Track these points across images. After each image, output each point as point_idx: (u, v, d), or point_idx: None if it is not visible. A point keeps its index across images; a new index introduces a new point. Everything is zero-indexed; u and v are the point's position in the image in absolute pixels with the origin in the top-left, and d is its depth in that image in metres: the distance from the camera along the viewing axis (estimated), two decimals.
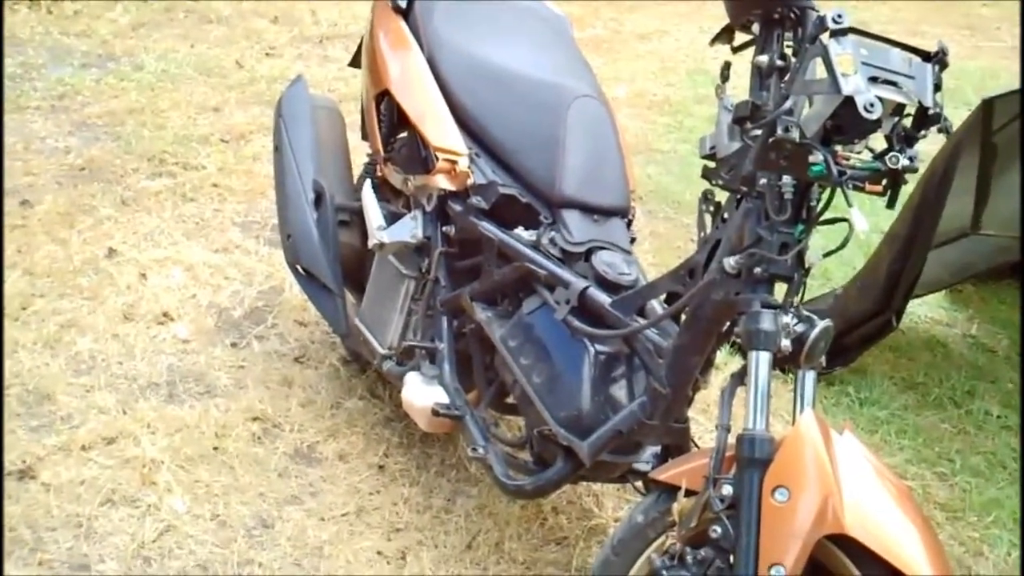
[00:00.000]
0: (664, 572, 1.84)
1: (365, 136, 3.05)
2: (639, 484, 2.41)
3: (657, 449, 2.32)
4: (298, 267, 2.98)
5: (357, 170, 3.18)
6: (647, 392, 2.12)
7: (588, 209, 2.44)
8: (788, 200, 1.87)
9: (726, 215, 2.01)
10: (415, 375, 2.54)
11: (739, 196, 1.97)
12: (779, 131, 1.76)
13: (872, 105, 1.69)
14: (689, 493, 1.91)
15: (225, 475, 2.75)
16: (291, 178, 2.98)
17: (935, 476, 3.04)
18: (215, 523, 2.60)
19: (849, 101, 1.70)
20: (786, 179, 1.85)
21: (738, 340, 1.93)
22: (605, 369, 2.24)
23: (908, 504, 1.80)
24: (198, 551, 2.50)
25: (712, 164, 2.02)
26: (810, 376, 1.90)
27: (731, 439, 1.87)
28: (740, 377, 1.93)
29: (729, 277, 1.91)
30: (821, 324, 1.90)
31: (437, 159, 2.55)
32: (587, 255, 2.38)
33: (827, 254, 1.95)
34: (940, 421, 3.28)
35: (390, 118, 2.82)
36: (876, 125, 1.76)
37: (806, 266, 1.92)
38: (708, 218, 2.07)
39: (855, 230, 1.76)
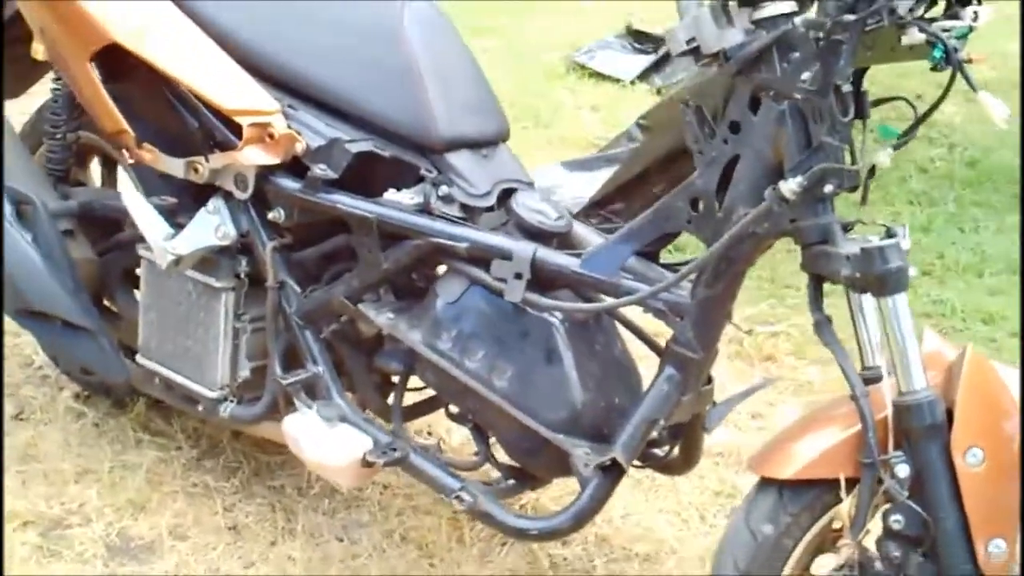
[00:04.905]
0: None
1: None
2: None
3: None
4: (24, 313, 2.12)
5: None
6: (674, 363, 1.66)
7: (475, 145, 1.86)
8: (847, 93, 1.46)
9: (736, 119, 1.54)
10: (302, 421, 1.88)
11: (754, 96, 1.52)
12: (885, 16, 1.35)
13: None
14: (812, 483, 1.52)
15: None
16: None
17: None
18: None
19: None
20: None
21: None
22: (583, 346, 1.75)
23: None
24: None
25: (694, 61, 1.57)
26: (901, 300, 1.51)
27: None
28: (821, 310, 1.54)
29: (785, 203, 1.48)
30: (907, 234, 1.53)
31: (241, 127, 1.82)
32: (497, 203, 1.83)
33: (897, 146, 1.56)
34: None
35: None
36: None
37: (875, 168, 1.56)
38: (696, 131, 1.61)
39: (997, 119, 1.39)
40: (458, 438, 2.38)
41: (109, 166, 2.42)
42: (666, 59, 4.77)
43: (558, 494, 2.27)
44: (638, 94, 4.59)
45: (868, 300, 1.58)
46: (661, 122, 3.49)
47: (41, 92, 2.44)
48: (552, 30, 5.33)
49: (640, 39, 5.06)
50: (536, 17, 5.32)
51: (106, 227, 2.23)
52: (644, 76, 4.83)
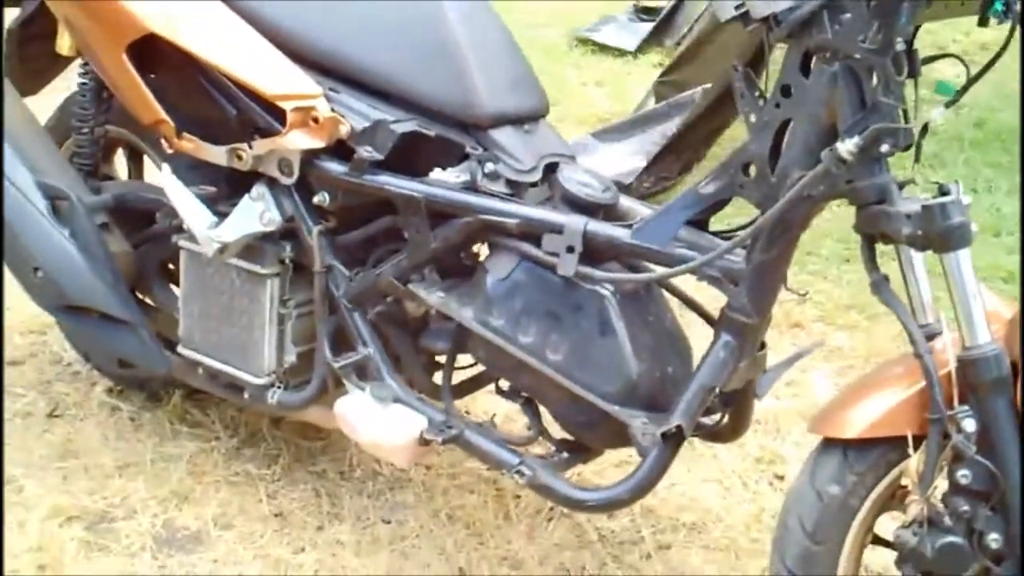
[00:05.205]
0: (929, 544, 1.46)
1: None
2: None
3: None
4: (63, 308, 2.12)
5: None
6: (729, 329, 1.67)
7: (517, 120, 1.87)
8: (900, 52, 1.46)
9: (787, 82, 1.55)
10: (356, 402, 1.88)
11: (804, 59, 1.52)
12: None
13: None
14: (877, 442, 1.54)
15: None
16: (3, 192, 2.07)
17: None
18: None
19: None
20: None
21: None
22: (635, 317, 1.75)
23: None
24: None
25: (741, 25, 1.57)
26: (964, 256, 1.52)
27: None
28: (877, 269, 1.55)
29: (843, 164, 1.48)
30: (961, 192, 1.53)
31: (282, 112, 1.82)
32: (543, 178, 1.83)
33: (949, 103, 1.57)
34: None
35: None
36: None
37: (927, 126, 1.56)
38: (746, 96, 1.61)
39: None
40: (499, 416, 2.38)
41: (135, 158, 2.41)
42: (668, 21, 4.73)
43: (598, 468, 2.28)
44: (642, 67, 4.58)
45: (918, 257, 1.58)
46: (691, 75, 3.52)
47: (53, 88, 2.44)
48: (549, 8, 5.31)
49: (647, 12, 5.03)
50: None
51: (139, 219, 2.23)
52: (648, 44, 4.80)
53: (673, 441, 1.68)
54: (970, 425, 1.45)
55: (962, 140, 3.91)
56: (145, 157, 2.36)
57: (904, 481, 1.53)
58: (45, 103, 2.45)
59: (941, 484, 1.51)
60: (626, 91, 4.29)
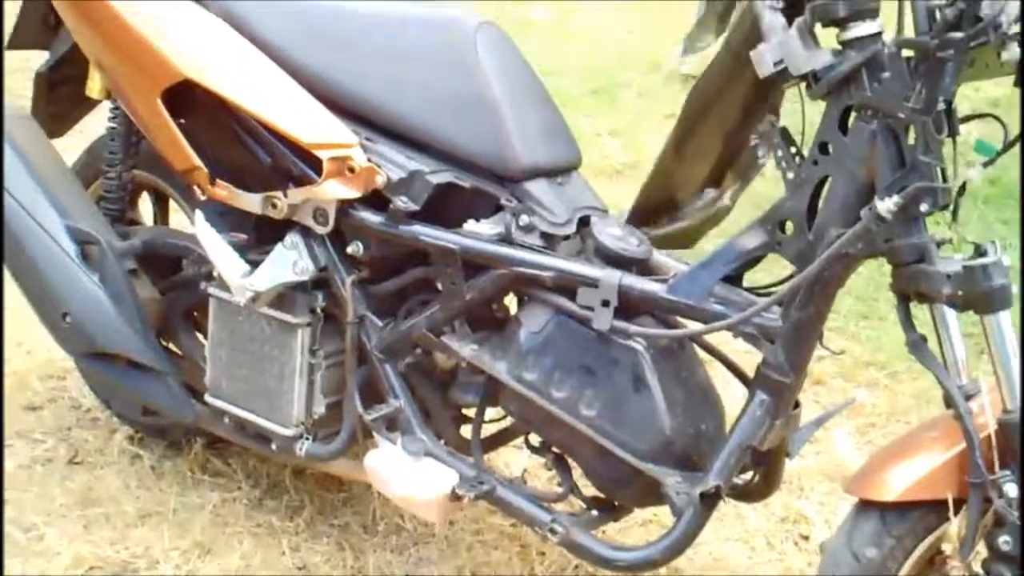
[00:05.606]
0: None
1: None
2: None
3: None
4: (89, 354, 2.11)
5: None
6: (765, 388, 1.66)
7: (551, 173, 1.87)
8: (940, 111, 1.47)
9: (825, 139, 1.55)
10: (387, 456, 1.86)
11: (842, 117, 1.53)
12: (991, 32, 1.37)
13: None
14: (915, 505, 1.52)
15: None
16: (32, 236, 2.07)
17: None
18: None
19: None
20: None
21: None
22: (669, 373, 1.75)
23: None
24: None
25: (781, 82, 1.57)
26: (1005, 318, 1.52)
27: None
28: (914, 329, 1.55)
29: (882, 222, 1.48)
30: (1000, 252, 1.53)
31: (317, 161, 1.83)
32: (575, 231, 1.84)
33: (988, 162, 1.57)
34: None
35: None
36: None
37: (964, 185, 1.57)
38: (783, 153, 1.61)
39: None
40: (517, 470, 2.36)
41: (161, 203, 2.42)
42: None
43: (623, 526, 2.26)
44: (656, 117, 4.57)
45: (952, 317, 1.57)
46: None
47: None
48: (562, 57, 5.32)
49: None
50: (537, 42, 5.26)
51: (165, 265, 2.23)
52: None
53: (709, 501, 1.67)
54: (1012, 490, 1.44)
55: (976, 196, 3.90)
56: (171, 201, 2.37)
57: (944, 546, 1.51)
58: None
59: (981, 549, 1.50)
60: (640, 141, 4.29)
